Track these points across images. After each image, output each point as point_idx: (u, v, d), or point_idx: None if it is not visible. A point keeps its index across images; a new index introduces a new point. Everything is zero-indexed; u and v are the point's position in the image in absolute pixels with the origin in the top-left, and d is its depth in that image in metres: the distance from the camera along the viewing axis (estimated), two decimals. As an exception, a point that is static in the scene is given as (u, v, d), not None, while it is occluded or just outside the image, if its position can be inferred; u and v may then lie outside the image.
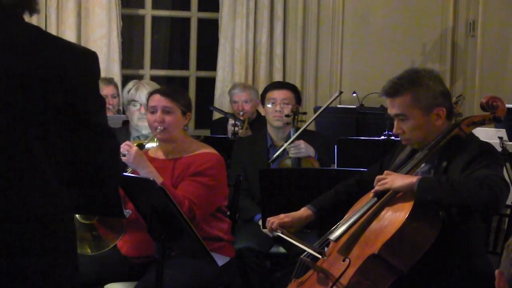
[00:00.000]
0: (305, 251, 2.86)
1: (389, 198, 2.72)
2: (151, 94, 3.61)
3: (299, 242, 2.89)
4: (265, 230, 4.07)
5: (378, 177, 2.75)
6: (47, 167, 1.96)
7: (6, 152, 1.93)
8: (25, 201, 1.94)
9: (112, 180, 2.24)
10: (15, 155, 1.94)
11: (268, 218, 3.10)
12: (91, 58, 2.05)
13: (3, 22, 1.96)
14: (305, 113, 4.57)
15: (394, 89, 2.81)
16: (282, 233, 3.01)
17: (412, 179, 2.64)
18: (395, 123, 2.84)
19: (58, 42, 2.03)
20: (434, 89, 2.80)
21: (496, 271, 1.58)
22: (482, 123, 2.83)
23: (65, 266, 2.02)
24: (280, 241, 4.10)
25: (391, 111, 2.84)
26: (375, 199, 2.74)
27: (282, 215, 3.08)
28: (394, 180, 2.68)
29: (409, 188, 2.64)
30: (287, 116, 4.35)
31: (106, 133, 2.07)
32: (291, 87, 4.59)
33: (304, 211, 3.09)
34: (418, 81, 2.80)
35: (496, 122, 2.85)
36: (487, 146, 2.79)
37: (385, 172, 2.76)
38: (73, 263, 2.06)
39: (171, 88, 3.69)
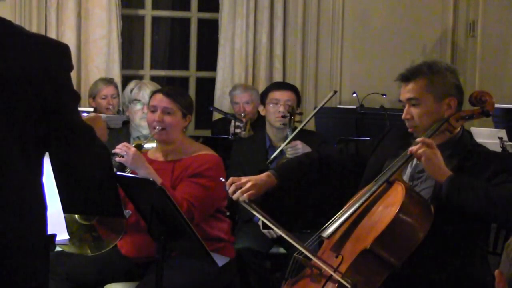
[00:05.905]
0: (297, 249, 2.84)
1: (381, 193, 2.72)
2: (153, 93, 3.61)
3: (271, 223, 2.82)
4: (265, 231, 4.08)
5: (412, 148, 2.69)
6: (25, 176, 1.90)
7: None
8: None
9: (92, 180, 2.10)
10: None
11: (233, 183, 2.90)
12: (61, 51, 1.97)
13: None
14: (301, 113, 4.56)
15: (411, 73, 2.84)
16: (249, 205, 2.87)
17: (444, 173, 2.64)
18: (406, 108, 2.85)
19: (28, 37, 1.95)
20: (450, 79, 2.84)
21: (496, 271, 1.58)
22: (471, 117, 2.85)
23: None
24: (280, 241, 4.10)
25: (404, 96, 2.85)
26: (367, 195, 2.73)
27: (247, 183, 2.90)
28: (431, 162, 2.65)
29: (437, 178, 2.66)
30: (283, 116, 4.34)
31: (78, 130, 1.98)
32: (294, 89, 4.58)
33: (267, 177, 2.98)
34: (436, 68, 2.84)
35: (485, 116, 2.87)
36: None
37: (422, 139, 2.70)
38: None
39: (174, 89, 3.68)
